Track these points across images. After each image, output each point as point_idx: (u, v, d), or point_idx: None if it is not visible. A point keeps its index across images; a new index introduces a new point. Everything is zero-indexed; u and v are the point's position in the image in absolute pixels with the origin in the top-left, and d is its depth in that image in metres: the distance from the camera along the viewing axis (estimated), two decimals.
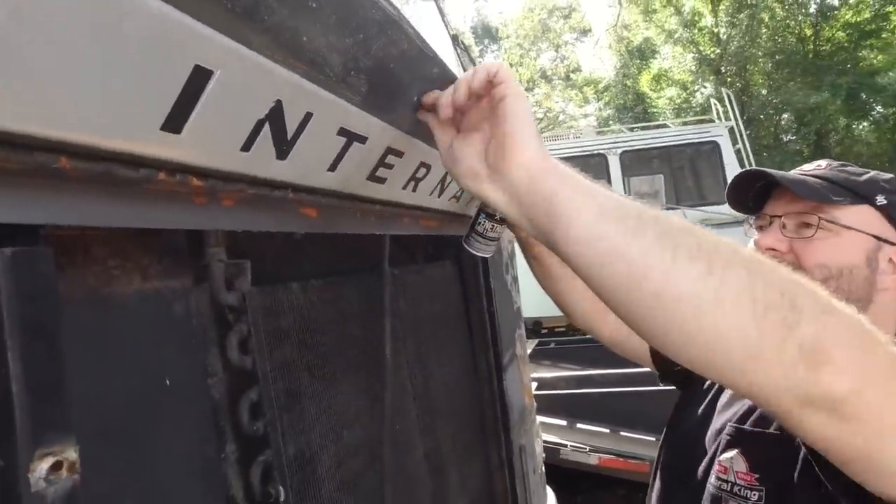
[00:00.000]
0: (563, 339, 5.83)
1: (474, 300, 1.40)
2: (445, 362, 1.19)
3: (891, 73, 15.18)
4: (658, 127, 7.96)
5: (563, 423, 3.42)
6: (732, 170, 5.87)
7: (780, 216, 0.75)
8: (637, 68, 18.27)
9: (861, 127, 16.62)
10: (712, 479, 0.77)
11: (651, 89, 18.24)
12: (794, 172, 0.80)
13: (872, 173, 0.76)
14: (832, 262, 0.70)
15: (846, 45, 16.02)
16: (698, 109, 14.92)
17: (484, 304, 1.41)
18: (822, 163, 0.79)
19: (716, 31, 16.39)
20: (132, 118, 0.33)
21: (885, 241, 0.71)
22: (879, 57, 15.89)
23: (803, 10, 16.22)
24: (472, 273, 1.40)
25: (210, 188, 0.44)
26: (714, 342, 0.44)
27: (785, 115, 15.85)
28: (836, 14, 16.15)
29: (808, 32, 16.18)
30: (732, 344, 0.43)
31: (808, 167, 0.80)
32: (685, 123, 8.12)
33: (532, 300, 1.89)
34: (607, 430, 3.32)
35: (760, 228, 0.78)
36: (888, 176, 0.76)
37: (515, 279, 1.84)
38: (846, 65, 15.56)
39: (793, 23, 16.23)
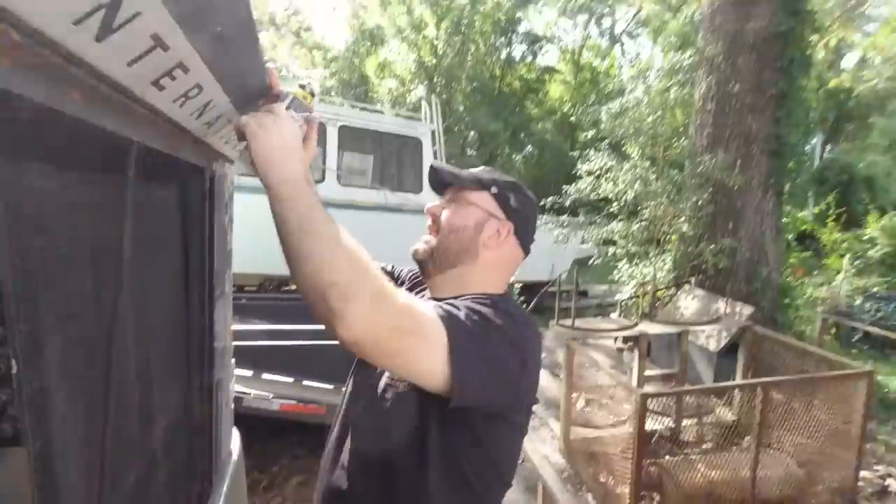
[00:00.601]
0: (254, 296, 5.82)
1: (196, 231, 1.40)
2: (164, 284, 1.18)
3: (539, 126, 20.31)
4: (375, 112, 8.63)
5: (249, 373, 3.50)
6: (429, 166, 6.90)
7: (445, 193, 1.18)
8: (367, 51, 19.12)
9: (517, 158, 21.65)
10: (386, 376, 1.06)
11: (375, 75, 19.38)
12: (467, 171, 1.19)
13: (497, 174, 1.18)
14: (456, 223, 1.12)
15: (518, 93, 20.59)
16: (411, 107, 16.67)
17: (205, 236, 1.42)
18: (483, 168, 1.20)
19: (435, 43, 18.62)
20: None
21: (492, 215, 1.13)
22: (535, 110, 21.05)
23: (497, 54, 20.05)
24: (198, 204, 1.39)
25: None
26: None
27: (472, 133, 19.30)
28: (516, 66, 20.57)
29: (498, 73, 20.10)
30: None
31: (475, 169, 1.20)
32: (398, 115, 9.03)
33: None
34: (291, 380, 3.56)
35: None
36: (507, 178, 1.18)
37: (231, 220, 1.86)
38: (516, 108, 20.02)
39: (489, 61, 19.85)
